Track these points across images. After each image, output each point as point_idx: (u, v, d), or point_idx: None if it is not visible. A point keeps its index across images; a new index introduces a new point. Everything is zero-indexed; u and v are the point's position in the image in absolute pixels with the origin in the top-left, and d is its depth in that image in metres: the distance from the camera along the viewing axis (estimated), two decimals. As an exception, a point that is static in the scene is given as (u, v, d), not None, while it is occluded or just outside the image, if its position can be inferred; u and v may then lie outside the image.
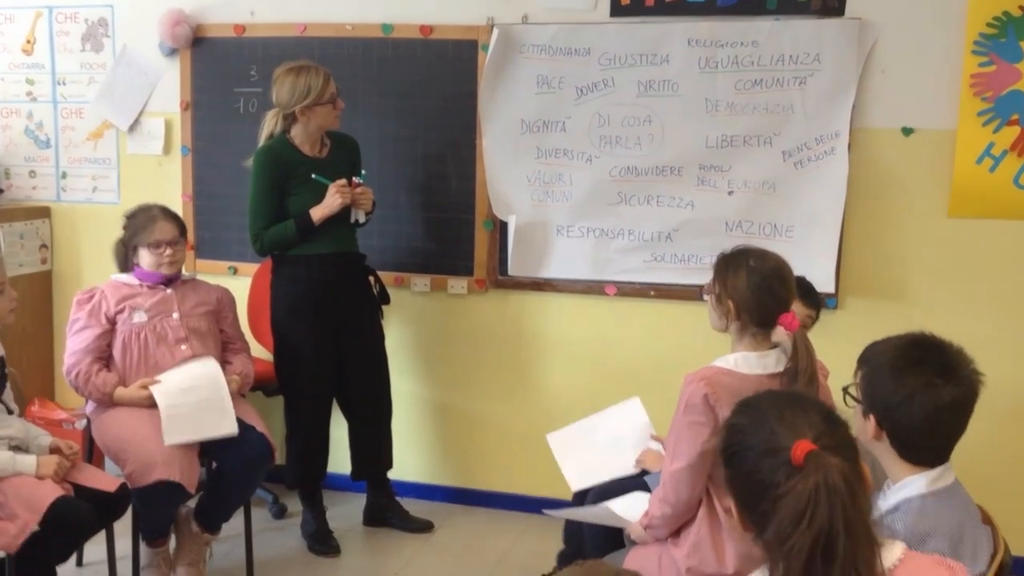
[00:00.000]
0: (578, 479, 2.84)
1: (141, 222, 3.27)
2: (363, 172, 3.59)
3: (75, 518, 2.69)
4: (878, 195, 3.50)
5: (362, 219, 3.59)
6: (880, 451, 1.78)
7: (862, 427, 1.77)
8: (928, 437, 1.74)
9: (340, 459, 3.86)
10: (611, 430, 2.96)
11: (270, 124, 3.57)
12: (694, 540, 2.28)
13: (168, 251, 3.28)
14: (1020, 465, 3.32)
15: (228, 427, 3.10)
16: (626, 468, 2.81)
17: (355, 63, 3.93)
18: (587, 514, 2.67)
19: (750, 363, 2.29)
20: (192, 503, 3.26)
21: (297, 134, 3.53)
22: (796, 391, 2.10)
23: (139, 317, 3.22)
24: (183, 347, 3.25)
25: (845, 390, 1.86)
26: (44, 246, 4.43)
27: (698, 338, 3.61)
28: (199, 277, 3.54)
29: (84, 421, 3.99)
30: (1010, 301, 3.43)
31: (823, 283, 3.46)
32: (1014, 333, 3.38)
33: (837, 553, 1.27)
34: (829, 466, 1.31)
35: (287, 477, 3.77)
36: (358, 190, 3.51)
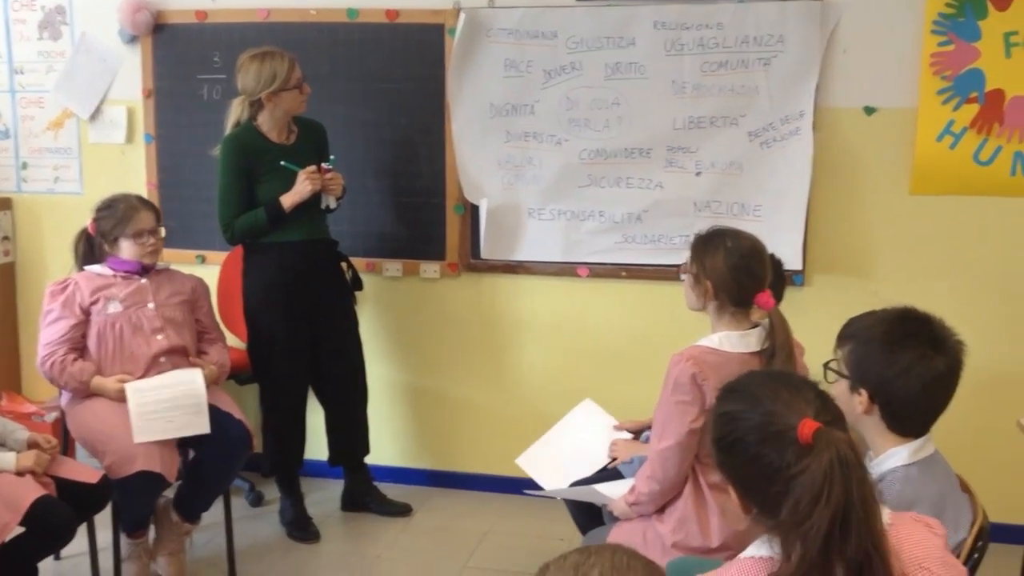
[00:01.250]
0: (559, 483, 2.84)
1: (121, 212, 3.23)
2: (332, 157, 3.58)
3: (56, 519, 2.67)
4: (842, 173, 3.57)
5: (333, 205, 3.59)
6: (867, 425, 1.83)
7: (848, 402, 1.82)
8: (923, 408, 1.81)
9: (316, 445, 3.86)
10: (574, 435, 2.97)
11: (236, 112, 3.54)
12: (680, 515, 2.33)
13: (151, 240, 3.27)
14: (990, 435, 3.42)
15: (201, 426, 3.08)
16: (600, 462, 2.81)
17: (320, 48, 3.91)
18: (570, 492, 2.71)
19: (733, 342, 2.34)
20: (170, 493, 3.26)
21: (264, 121, 3.51)
22: (781, 370, 2.14)
23: (114, 307, 3.19)
24: (159, 337, 3.23)
25: (826, 366, 1.91)
26: (6, 238, 4.36)
27: (669, 317, 3.70)
28: (174, 267, 3.51)
29: (54, 414, 3.97)
30: (972, 274, 3.52)
31: (790, 260, 3.54)
32: (976, 305, 3.48)
33: (852, 526, 1.28)
34: (839, 441, 1.31)
35: (263, 465, 3.77)
36: (328, 176, 3.51)
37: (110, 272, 3.27)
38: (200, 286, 3.45)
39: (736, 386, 1.49)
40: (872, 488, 1.33)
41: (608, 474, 2.73)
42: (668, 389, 2.32)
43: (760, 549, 1.40)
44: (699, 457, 2.33)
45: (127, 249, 3.25)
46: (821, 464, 1.29)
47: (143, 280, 3.29)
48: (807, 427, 1.32)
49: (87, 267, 3.30)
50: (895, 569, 1.33)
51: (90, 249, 3.32)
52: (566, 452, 2.92)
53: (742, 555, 1.43)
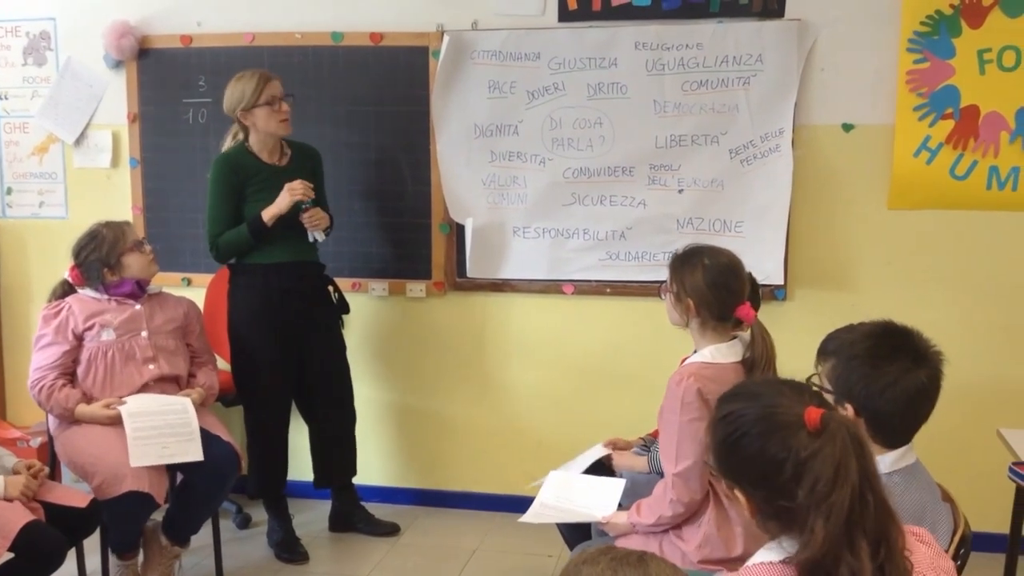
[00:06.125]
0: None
1: (111, 234, 3.25)
2: (307, 202, 3.48)
3: (46, 544, 2.66)
4: (822, 189, 3.62)
5: (320, 238, 3.56)
6: None
7: None
8: (910, 419, 1.84)
9: (305, 466, 3.87)
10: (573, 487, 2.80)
11: (231, 134, 3.59)
12: (705, 532, 2.32)
13: (147, 247, 3.33)
14: (971, 444, 3.47)
15: (193, 453, 3.09)
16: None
17: (305, 71, 3.94)
18: (565, 516, 2.69)
19: (723, 353, 2.38)
20: (159, 516, 3.25)
21: (254, 142, 3.55)
22: (777, 378, 2.17)
23: (107, 335, 3.20)
24: (151, 367, 3.25)
25: (808, 381, 1.93)
26: (-10, 263, 4.36)
27: (654, 333, 3.73)
28: (166, 290, 3.51)
29: (39, 439, 3.96)
30: (950, 287, 3.58)
31: (772, 275, 3.60)
32: (955, 317, 3.54)
33: (868, 500, 1.33)
34: (847, 422, 1.37)
35: (249, 486, 3.76)
36: (307, 214, 3.48)
37: (105, 296, 3.27)
38: (192, 310, 3.47)
39: (735, 390, 1.54)
40: (876, 466, 1.39)
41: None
42: (676, 410, 2.32)
43: (769, 554, 1.41)
44: (712, 471, 2.34)
45: (135, 263, 3.28)
46: (836, 444, 1.34)
47: (137, 306, 3.29)
48: (813, 413, 1.37)
49: (81, 290, 3.30)
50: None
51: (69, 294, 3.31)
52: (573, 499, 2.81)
53: (751, 561, 1.43)
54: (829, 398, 1.86)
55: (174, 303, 3.43)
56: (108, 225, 3.30)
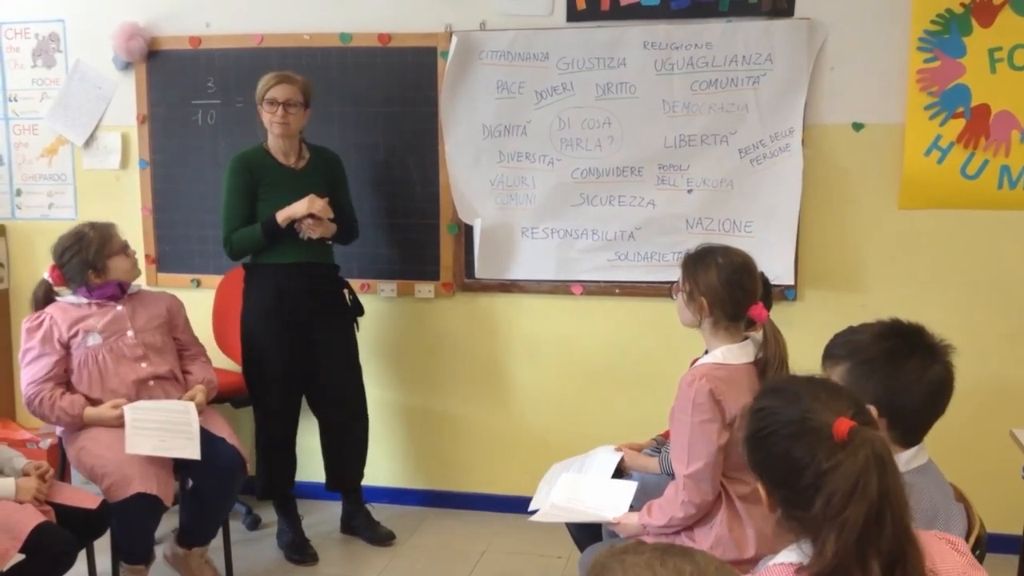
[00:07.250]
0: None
1: (97, 236, 3.23)
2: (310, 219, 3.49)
3: (56, 545, 2.66)
4: (832, 189, 3.61)
5: (303, 236, 3.51)
6: None
7: None
8: (929, 414, 1.84)
9: (315, 467, 3.86)
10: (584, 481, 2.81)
11: None
12: (717, 534, 2.32)
13: (132, 250, 3.33)
14: (983, 445, 3.45)
15: (191, 452, 3.06)
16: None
17: (314, 72, 3.91)
18: (574, 515, 2.68)
19: (735, 354, 2.37)
20: (168, 532, 3.26)
21: (270, 141, 3.57)
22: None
23: (93, 340, 3.18)
24: (143, 365, 3.23)
25: None
26: (0, 265, 4.37)
27: (663, 334, 3.72)
28: (145, 288, 3.51)
29: (48, 440, 3.97)
30: (961, 287, 3.56)
31: (782, 275, 3.59)
32: (966, 317, 3.52)
33: (887, 520, 1.31)
34: (873, 439, 1.35)
35: (256, 487, 3.76)
36: (310, 220, 3.46)
37: (84, 301, 3.24)
38: (174, 304, 3.46)
39: (777, 385, 1.53)
40: (903, 487, 1.36)
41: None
42: (687, 411, 2.31)
43: (790, 555, 1.41)
44: (724, 472, 2.34)
45: (119, 265, 3.26)
46: (857, 459, 1.32)
47: (119, 307, 3.27)
48: (843, 425, 1.35)
49: (60, 298, 3.27)
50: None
51: (49, 299, 3.29)
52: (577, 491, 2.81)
53: (772, 561, 1.43)
54: None
55: (154, 300, 3.40)
56: (94, 226, 3.27)
